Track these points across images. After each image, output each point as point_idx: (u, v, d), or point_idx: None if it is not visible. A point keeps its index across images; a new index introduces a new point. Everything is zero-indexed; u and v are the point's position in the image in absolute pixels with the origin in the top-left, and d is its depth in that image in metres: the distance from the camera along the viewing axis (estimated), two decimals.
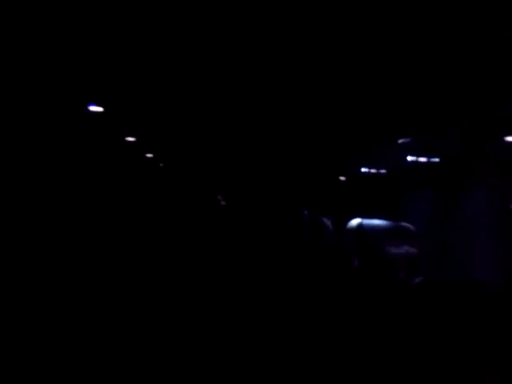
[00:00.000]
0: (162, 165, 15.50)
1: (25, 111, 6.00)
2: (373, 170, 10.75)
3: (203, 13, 4.75)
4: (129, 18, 4.96)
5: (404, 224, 9.82)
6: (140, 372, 4.20)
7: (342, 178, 12.81)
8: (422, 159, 8.20)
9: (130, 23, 5.08)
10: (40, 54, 5.44)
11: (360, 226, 10.41)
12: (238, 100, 8.58)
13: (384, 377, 4.77)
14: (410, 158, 8.34)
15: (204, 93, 7.73)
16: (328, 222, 11.39)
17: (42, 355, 4.39)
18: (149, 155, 12.95)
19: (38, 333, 4.83)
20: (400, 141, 8.20)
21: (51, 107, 6.50)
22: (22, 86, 5.93)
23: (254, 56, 6.34)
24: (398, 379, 4.73)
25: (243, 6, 4.51)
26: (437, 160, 8.07)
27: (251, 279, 9.44)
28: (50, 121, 6.77)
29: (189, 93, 7.71)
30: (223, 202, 16.37)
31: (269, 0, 4.27)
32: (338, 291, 8.48)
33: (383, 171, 10.66)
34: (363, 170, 11.05)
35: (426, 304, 7.50)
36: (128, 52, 5.69)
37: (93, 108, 6.82)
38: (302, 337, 5.92)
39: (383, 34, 5.25)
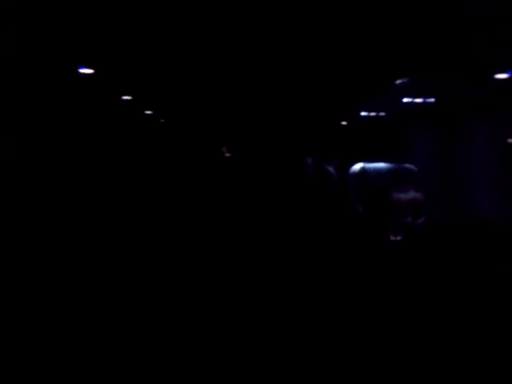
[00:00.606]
0: (162, 121, 15.51)
1: (11, 79, 6.02)
2: (372, 114, 10.70)
3: None
4: None
5: (407, 166, 9.79)
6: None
7: (344, 123, 12.78)
8: (418, 100, 8.16)
9: None
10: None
11: (363, 170, 10.37)
12: (237, 47, 8.53)
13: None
14: (405, 100, 8.30)
15: (201, 40, 7.66)
16: (331, 169, 11.41)
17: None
18: (148, 112, 12.97)
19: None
20: (398, 81, 8.14)
21: (41, 71, 6.50)
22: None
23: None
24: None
25: None
26: (432, 100, 8.04)
27: (256, 229, 9.52)
28: (40, 86, 6.78)
29: (183, 44, 7.64)
30: (228, 154, 16.41)
31: None
32: (342, 239, 8.55)
33: (383, 114, 10.61)
34: (363, 113, 11.01)
35: (428, 246, 7.56)
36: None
37: (83, 70, 6.82)
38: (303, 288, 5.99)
39: None
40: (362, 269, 6.83)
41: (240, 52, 8.69)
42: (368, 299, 5.55)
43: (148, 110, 12.93)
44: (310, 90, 10.89)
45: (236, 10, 6.54)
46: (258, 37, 7.89)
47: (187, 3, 5.88)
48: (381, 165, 10.10)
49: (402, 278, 6.28)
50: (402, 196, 9.30)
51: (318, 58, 8.48)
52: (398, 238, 8.22)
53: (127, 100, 9.98)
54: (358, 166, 10.43)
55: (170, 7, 6.01)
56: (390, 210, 9.02)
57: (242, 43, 8.20)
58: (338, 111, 11.70)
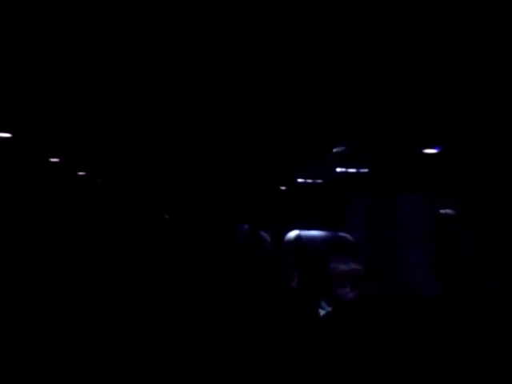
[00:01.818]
0: (99, 181, 15.19)
1: None
2: (309, 180, 10.64)
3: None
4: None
5: (342, 235, 9.62)
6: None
7: (282, 188, 12.71)
8: (351, 170, 8.11)
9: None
10: None
11: (298, 238, 10.14)
12: (172, 107, 8.37)
13: None
14: (339, 170, 8.24)
15: (130, 98, 7.44)
16: (267, 236, 11.20)
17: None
18: (81, 173, 12.63)
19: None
20: (335, 150, 8.09)
21: None
22: None
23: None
24: None
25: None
26: (366, 170, 8.00)
27: (187, 297, 9.22)
28: None
29: (109, 101, 7.38)
30: (167, 216, 16.16)
31: None
32: (275, 312, 8.29)
33: (319, 181, 10.55)
34: (300, 180, 10.93)
35: (360, 321, 7.34)
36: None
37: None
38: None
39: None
40: (288, 341, 6.58)
41: (173, 114, 8.54)
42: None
43: (81, 171, 12.60)
44: (247, 155, 10.81)
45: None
46: (188, 102, 7.77)
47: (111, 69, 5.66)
48: (316, 233, 9.91)
49: (329, 351, 6.04)
50: (338, 266, 9.09)
51: (257, 123, 8.40)
52: (328, 310, 7.99)
53: (56, 162, 9.66)
54: (293, 234, 10.20)
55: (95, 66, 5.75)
56: (324, 281, 8.79)
57: (177, 104, 8.06)
58: (275, 178, 11.64)
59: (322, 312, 8.09)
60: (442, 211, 8.38)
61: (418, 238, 8.39)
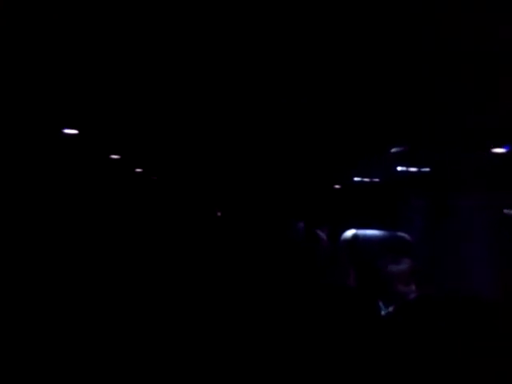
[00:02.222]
0: (154, 178, 15.42)
1: None
2: (366, 179, 10.52)
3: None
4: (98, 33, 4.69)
5: (400, 234, 9.49)
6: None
7: (337, 187, 12.62)
8: (412, 169, 7.97)
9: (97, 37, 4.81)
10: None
11: (355, 237, 10.04)
12: (228, 109, 8.38)
13: None
14: (399, 168, 8.11)
15: (189, 102, 7.49)
16: (323, 235, 11.13)
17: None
18: (138, 170, 12.81)
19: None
20: (393, 150, 7.97)
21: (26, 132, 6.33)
22: None
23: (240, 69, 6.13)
24: None
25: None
26: (427, 170, 7.85)
27: (244, 294, 9.24)
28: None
29: (172, 103, 7.45)
30: (219, 213, 16.23)
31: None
32: (332, 310, 8.21)
33: (376, 180, 10.42)
34: (356, 179, 10.83)
35: (419, 322, 7.22)
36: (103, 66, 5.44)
37: (67, 131, 6.64)
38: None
39: (376, 38, 4.98)
40: (349, 341, 6.51)
41: (231, 116, 8.56)
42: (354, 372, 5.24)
43: (138, 167, 12.78)
44: (304, 153, 10.76)
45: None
46: (247, 105, 7.76)
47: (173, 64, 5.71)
48: (373, 232, 9.80)
49: (391, 352, 5.95)
50: (395, 266, 8.96)
51: (313, 123, 8.35)
52: (389, 310, 7.88)
53: (116, 159, 9.83)
54: (349, 233, 10.12)
55: (156, 64, 5.80)
56: (382, 280, 8.68)
57: (231, 107, 8.08)
58: (331, 176, 11.56)
59: (381, 312, 8.00)
60: (505, 211, 8.19)
61: (480, 238, 8.22)
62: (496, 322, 6.44)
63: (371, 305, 8.07)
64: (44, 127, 6.23)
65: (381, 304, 8.31)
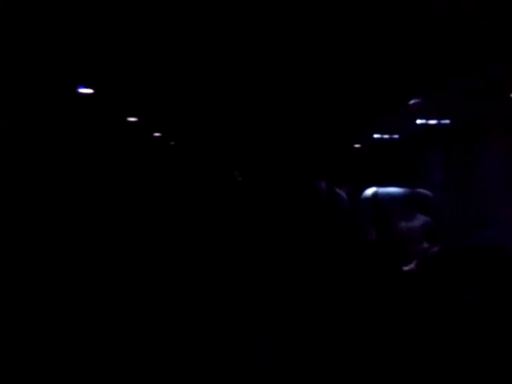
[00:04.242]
0: (173, 143, 15.38)
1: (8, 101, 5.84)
2: (386, 136, 10.41)
3: None
4: None
5: (421, 191, 9.41)
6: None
7: (357, 146, 12.51)
8: (432, 122, 7.86)
9: None
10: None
11: (375, 195, 9.96)
12: (248, 71, 8.34)
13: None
14: (419, 121, 8.00)
15: (210, 58, 7.44)
16: (343, 193, 11.06)
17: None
18: (157, 134, 12.81)
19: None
20: (411, 102, 7.86)
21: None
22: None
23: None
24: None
25: None
26: (447, 122, 7.74)
27: (264, 253, 9.25)
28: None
29: (191, 60, 7.41)
30: (240, 178, 16.18)
31: None
32: (352, 265, 8.22)
33: (396, 136, 10.31)
34: (376, 136, 10.72)
35: (443, 275, 7.19)
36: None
37: (82, 90, 6.61)
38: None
39: None
40: (370, 297, 6.50)
41: (252, 74, 8.50)
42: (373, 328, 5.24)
43: (157, 132, 12.76)
44: (322, 112, 10.67)
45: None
46: (266, 60, 7.69)
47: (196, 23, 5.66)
48: (394, 189, 9.70)
49: (413, 309, 5.94)
50: (417, 222, 8.91)
51: (329, 78, 8.26)
52: (412, 266, 7.85)
53: (133, 121, 9.81)
54: (370, 191, 10.03)
55: (179, 24, 5.75)
56: (403, 237, 8.63)
57: (253, 66, 8.01)
58: (350, 133, 11.46)
59: (403, 266, 7.98)
60: None
61: (502, 189, 8.12)
62: None
63: (392, 259, 8.06)
64: (58, 86, 6.22)
65: (402, 260, 8.30)
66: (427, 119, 7.92)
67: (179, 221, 12.02)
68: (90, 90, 6.71)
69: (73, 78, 6.29)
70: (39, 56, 5.76)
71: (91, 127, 8.79)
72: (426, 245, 8.88)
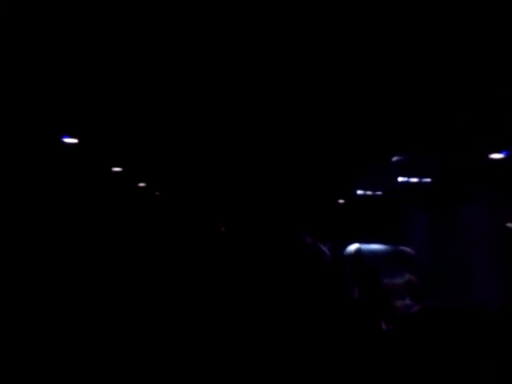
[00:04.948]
0: (157, 193, 15.41)
1: None
2: (368, 192, 10.48)
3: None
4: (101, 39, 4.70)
5: (403, 248, 9.46)
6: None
7: (341, 201, 12.56)
8: (414, 179, 7.94)
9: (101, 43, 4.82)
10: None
11: (358, 251, 9.99)
12: (237, 126, 8.40)
13: None
14: (400, 179, 8.08)
15: (192, 113, 7.50)
16: (325, 249, 11.06)
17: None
18: (141, 184, 12.81)
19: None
20: (394, 159, 7.96)
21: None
22: None
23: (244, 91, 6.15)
24: None
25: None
26: (428, 180, 7.82)
27: (248, 305, 9.15)
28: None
29: (176, 113, 7.46)
30: (223, 229, 16.15)
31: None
32: (336, 322, 8.16)
33: (379, 193, 10.39)
34: (359, 192, 10.79)
35: (423, 335, 7.16)
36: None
37: (67, 140, 6.63)
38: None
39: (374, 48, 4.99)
40: (352, 355, 6.44)
41: (236, 128, 8.58)
42: None
43: (142, 182, 12.76)
44: (305, 167, 10.75)
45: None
46: (251, 118, 7.79)
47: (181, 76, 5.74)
48: (377, 246, 9.74)
49: (391, 369, 5.88)
50: (400, 279, 8.92)
51: (313, 135, 8.36)
52: (390, 326, 7.83)
53: (118, 172, 9.82)
54: (353, 247, 10.07)
55: (163, 74, 5.81)
56: (386, 293, 8.62)
57: (234, 122, 8.10)
58: (334, 190, 11.54)
59: (384, 325, 7.93)
60: (508, 224, 8.12)
61: (483, 250, 8.15)
62: (496, 333, 6.38)
63: (373, 318, 8.00)
64: (43, 135, 6.23)
65: (384, 316, 8.26)
66: (409, 177, 8.01)
67: (162, 270, 11.92)
68: (74, 140, 6.73)
69: (58, 128, 6.32)
70: (24, 105, 5.80)
71: (76, 177, 8.80)
72: (408, 302, 8.86)
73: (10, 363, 4.20)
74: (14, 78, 5.19)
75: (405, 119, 6.40)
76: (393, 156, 7.91)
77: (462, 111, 5.47)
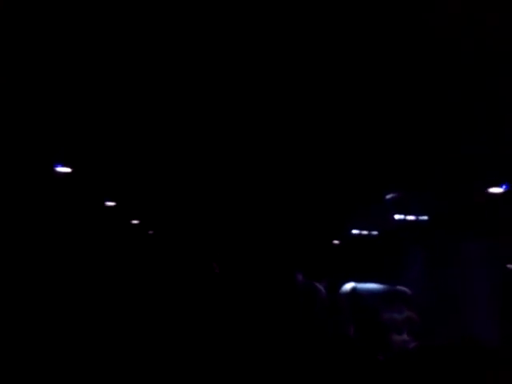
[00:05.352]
0: (151, 232, 15.29)
1: None
2: (364, 232, 10.40)
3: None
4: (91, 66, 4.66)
5: (399, 288, 9.26)
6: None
7: (336, 242, 12.48)
8: (410, 217, 7.86)
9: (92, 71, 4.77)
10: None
11: (354, 290, 9.81)
12: (229, 170, 8.38)
13: None
14: (397, 217, 8.00)
15: (189, 149, 7.44)
16: (321, 287, 10.93)
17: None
18: (135, 221, 12.69)
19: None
20: (387, 196, 7.88)
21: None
22: None
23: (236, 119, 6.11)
24: None
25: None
26: (425, 218, 7.74)
27: (243, 345, 8.95)
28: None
29: (173, 149, 7.39)
30: (217, 270, 15.97)
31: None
32: (333, 361, 7.96)
33: (375, 233, 10.30)
34: (355, 231, 10.70)
35: (421, 372, 6.95)
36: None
37: (60, 169, 6.50)
38: None
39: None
40: None
41: (230, 171, 8.55)
42: None
43: (135, 219, 12.66)
44: (301, 207, 10.70)
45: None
46: (247, 159, 7.76)
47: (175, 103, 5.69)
48: (373, 286, 9.56)
49: None
50: (395, 317, 8.71)
51: (305, 175, 8.31)
52: (387, 357, 7.64)
53: (111, 206, 9.71)
54: (348, 286, 9.88)
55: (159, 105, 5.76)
56: (383, 328, 8.43)
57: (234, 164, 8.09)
58: (329, 230, 11.47)
59: (381, 356, 7.73)
60: (509, 265, 8.01)
61: (482, 289, 8.03)
62: (496, 371, 6.19)
63: (369, 356, 7.81)
64: (36, 164, 6.13)
65: (381, 354, 8.05)
66: (405, 215, 7.93)
67: (155, 310, 11.74)
68: (67, 169, 6.63)
69: (50, 156, 6.24)
70: (17, 133, 5.72)
71: (68, 208, 8.69)
72: (406, 337, 8.70)
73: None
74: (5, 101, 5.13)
75: (399, 155, 6.35)
76: (387, 193, 7.85)
77: (460, 145, 5.43)
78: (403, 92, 4.91)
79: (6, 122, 5.35)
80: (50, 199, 7.81)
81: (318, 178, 8.49)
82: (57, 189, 7.50)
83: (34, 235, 8.03)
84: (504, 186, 5.41)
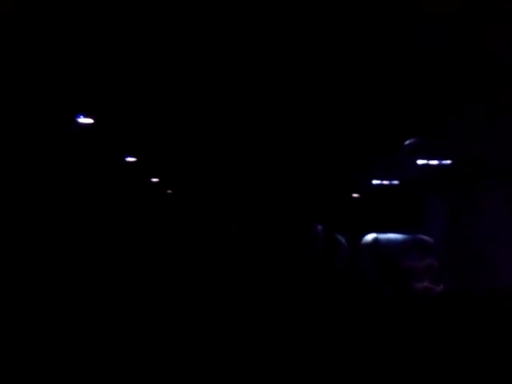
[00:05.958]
0: (169, 191, 15.26)
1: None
2: (385, 182, 10.35)
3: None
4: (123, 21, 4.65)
5: (421, 236, 9.35)
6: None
7: (355, 195, 12.44)
8: (433, 162, 7.78)
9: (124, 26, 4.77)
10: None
11: (375, 241, 9.90)
12: (249, 124, 8.36)
13: None
14: (420, 162, 7.93)
15: (213, 110, 7.45)
16: (342, 239, 10.98)
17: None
18: (154, 180, 12.68)
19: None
20: (407, 142, 7.80)
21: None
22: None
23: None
24: None
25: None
26: (448, 162, 7.66)
27: (264, 297, 9.03)
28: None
29: (199, 109, 7.40)
30: (235, 229, 16.02)
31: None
32: (353, 308, 8.03)
33: (396, 182, 10.25)
34: (375, 182, 10.65)
35: (443, 317, 7.01)
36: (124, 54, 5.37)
37: (82, 120, 6.45)
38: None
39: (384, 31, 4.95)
40: (373, 337, 6.29)
41: (250, 124, 8.52)
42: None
43: (154, 177, 12.65)
44: (320, 158, 10.66)
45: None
46: (266, 110, 7.74)
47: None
48: (394, 236, 9.64)
49: (416, 348, 5.73)
50: (419, 263, 8.80)
51: (324, 125, 8.26)
52: (414, 303, 7.72)
53: (132, 162, 9.66)
54: (370, 237, 9.98)
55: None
56: (406, 276, 8.49)
57: (252, 119, 8.07)
58: (349, 180, 11.41)
59: (403, 306, 7.80)
60: None
61: (505, 234, 8.01)
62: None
63: (392, 299, 7.88)
64: (58, 114, 6.09)
65: (402, 298, 8.13)
66: (428, 159, 7.86)
67: (174, 268, 11.85)
68: (90, 120, 6.63)
69: (73, 107, 6.24)
70: (40, 83, 5.72)
71: (89, 161, 8.67)
72: (428, 284, 8.75)
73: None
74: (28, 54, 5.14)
75: (420, 101, 6.29)
76: (406, 139, 7.78)
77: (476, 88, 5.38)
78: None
79: (30, 70, 5.34)
80: (72, 150, 7.81)
81: (337, 130, 8.44)
82: (78, 140, 7.48)
83: (55, 186, 8.03)
84: None
